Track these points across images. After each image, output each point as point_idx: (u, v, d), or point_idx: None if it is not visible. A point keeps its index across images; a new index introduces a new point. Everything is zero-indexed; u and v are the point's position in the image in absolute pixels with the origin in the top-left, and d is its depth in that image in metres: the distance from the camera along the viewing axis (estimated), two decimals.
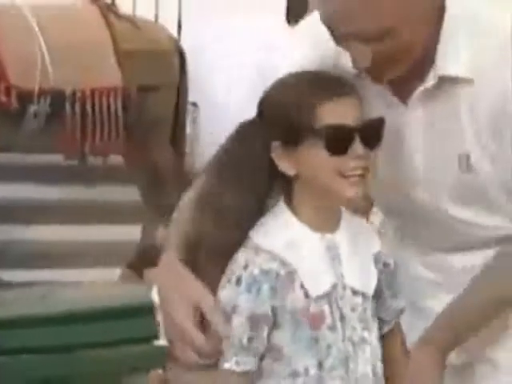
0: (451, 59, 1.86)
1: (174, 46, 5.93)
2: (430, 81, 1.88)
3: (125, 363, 3.06)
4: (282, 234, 1.82)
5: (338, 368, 1.81)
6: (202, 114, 6.91)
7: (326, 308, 1.82)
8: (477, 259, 1.97)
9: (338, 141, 1.77)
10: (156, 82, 5.65)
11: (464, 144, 1.89)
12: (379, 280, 1.89)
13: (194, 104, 6.77)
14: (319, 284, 1.81)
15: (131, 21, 5.83)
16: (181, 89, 5.91)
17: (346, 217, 1.89)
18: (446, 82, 1.88)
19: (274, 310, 1.80)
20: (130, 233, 5.94)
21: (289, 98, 1.81)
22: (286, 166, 1.81)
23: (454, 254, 2.03)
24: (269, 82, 1.86)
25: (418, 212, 2.01)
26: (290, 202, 1.85)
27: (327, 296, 1.82)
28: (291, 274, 1.79)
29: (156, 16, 6.70)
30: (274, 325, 1.81)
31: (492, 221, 1.97)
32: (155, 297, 3.19)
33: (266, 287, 1.78)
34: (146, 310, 3.13)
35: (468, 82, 1.86)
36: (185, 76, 5.94)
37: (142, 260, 5.57)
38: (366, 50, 1.79)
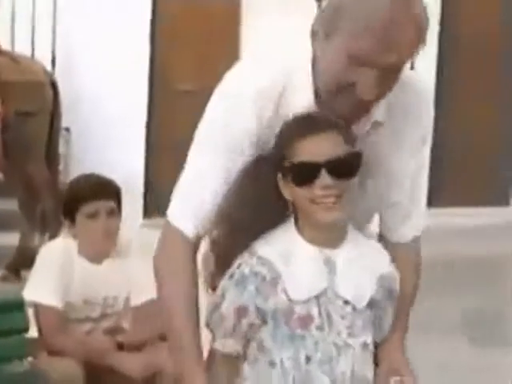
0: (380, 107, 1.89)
1: (47, 78, 5.96)
2: (367, 126, 1.91)
3: None
4: (279, 245, 1.81)
5: (326, 363, 1.81)
6: (73, 137, 7.01)
7: (315, 311, 1.81)
8: None
9: (303, 175, 1.78)
10: (31, 108, 5.70)
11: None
12: (378, 299, 1.87)
13: (67, 129, 6.84)
14: (304, 290, 1.79)
15: (10, 55, 5.87)
16: (54, 115, 5.95)
17: (353, 236, 1.87)
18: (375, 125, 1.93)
19: (258, 307, 1.80)
20: (9, 238, 5.97)
21: (279, 136, 1.83)
22: (285, 193, 1.82)
23: None
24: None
25: None
26: (296, 221, 1.85)
27: (316, 300, 1.80)
28: (275, 280, 1.78)
29: (32, 52, 6.74)
30: (262, 321, 1.82)
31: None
32: (29, 294, 3.28)
33: (251, 287, 1.78)
34: (17, 306, 3.25)
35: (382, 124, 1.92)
36: (58, 104, 5.98)
37: (19, 262, 5.62)
38: (379, 86, 1.76)
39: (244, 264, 1.81)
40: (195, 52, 7.63)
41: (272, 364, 1.82)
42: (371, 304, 1.86)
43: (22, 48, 6.52)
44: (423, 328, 4.46)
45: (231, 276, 1.82)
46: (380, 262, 1.89)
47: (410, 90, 1.93)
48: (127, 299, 3.48)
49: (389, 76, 1.78)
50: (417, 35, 1.76)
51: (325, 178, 1.76)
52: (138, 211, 7.14)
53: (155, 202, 7.01)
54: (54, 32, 7.01)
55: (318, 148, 1.77)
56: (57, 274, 3.34)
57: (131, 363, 3.32)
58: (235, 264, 1.83)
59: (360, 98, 1.77)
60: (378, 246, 1.94)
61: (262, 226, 1.83)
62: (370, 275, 1.85)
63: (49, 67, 6.62)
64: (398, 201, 2.02)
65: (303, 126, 1.79)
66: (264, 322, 1.82)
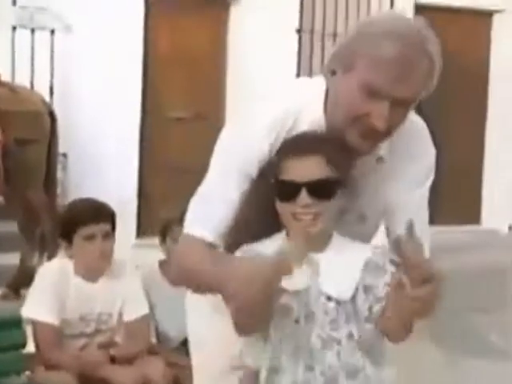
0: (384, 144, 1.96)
1: (46, 107, 5.93)
2: (371, 162, 1.96)
3: None
4: (271, 246, 1.87)
5: (300, 352, 1.84)
6: (70, 163, 7.03)
7: (296, 306, 1.85)
8: None
9: (285, 192, 1.85)
10: (30, 136, 5.68)
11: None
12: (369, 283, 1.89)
13: (64, 155, 6.85)
14: (289, 284, 1.81)
15: (9, 86, 5.85)
16: (52, 142, 5.93)
17: (338, 241, 1.93)
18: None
19: None
20: (10, 259, 5.94)
21: (274, 155, 1.90)
22: (277, 206, 1.89)
23: None
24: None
25: None
26: (286, 229, 1.92)
27: (297, 297, 1.85)
28: None
29: (31, 83, 6.75)
30: None
31: None
32: (26, 312, 3.29)
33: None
34: (15, 323, 3.26)
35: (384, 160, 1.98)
36: (55, 132, 5.96)
37: (19, 281, 5.59)
38: (391, 117, 1.82)
39: (242, 252, 1.90)
40: (185, 81, 7.66)
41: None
42: (366, 290, 1.87)
43: (21, 79, 6.54)
44: None
45: None
46: (363, 252, 1.92)
47: (411, 128, 1.98)
48: (120, 315, 3.50)
49: (400, 109, 1.84)
50: (429, 71, 1.83)
51: (305, 197, 1.83)
52: (132, 231, 7.14)
53: (148, 222, 7.01)
54: (52, 63, 7.01)
55: (300, 169, 1.84)
56: (53, 292, 3.37)
57: (123, 375, 3.35)
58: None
59: (372, 127, 1.82)
60: (361, 244, 1.97)
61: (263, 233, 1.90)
62: (353, 269, 1.89)
63: (47, 96, 6.61)
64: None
65: (292, 147, 1.87)
66: None
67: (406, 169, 2.02)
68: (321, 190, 1.84)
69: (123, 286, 3.48)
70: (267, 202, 1.89)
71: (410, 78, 1.80)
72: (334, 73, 1.89)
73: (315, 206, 1.84)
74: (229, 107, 7.56)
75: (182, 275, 1.96)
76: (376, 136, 1.87)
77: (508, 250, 7.74)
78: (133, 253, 5.69)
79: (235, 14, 7.93)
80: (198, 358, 2.20)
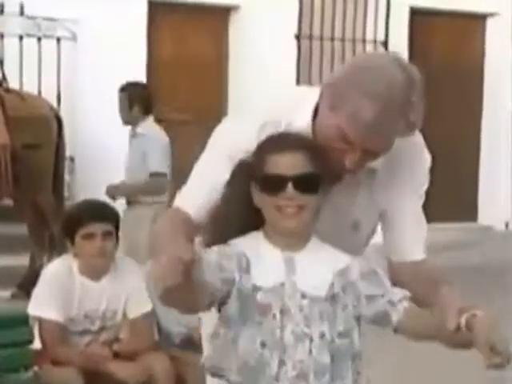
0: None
1: (52, 112, 6.02)
2: (362, 173, 2.00)
3: (5, 363, 3.20)
4: (248, 244, 1.88)
5: (278, 349, 1.84)
6: (77, 166, 7.05)
7: (274, 302, 1.85)
8: None
9: (271, 185, 1.86)
10: (38, 141, 5.74)
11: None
12: (337, 291, 1.89)
13: (71, 158, 6.89)
14: (267, 280, 1.84)
15: (18, 93, 5.93)
16: (59, 147, 5.99)
17: (315, 243, 1.93)
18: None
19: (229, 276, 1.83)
20: (20, 260, 5.99)
21: (256, 150, 1.91)
22: (255, 200, 1.90)
23: None
24: None
25: None
26: (264, 227, 1.92)
27: (273, 293, 1.85)
28: (247, 262, 1.86)
29: (39, 91, 6.78)
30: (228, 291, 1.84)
31: None
32: (32, 310, 3.32)
33: (233, 256, 1.86)
34: (22, 321, 3.29)
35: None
36: (62, 136, 6.02)
37: (29, 281, 5.61)
38: (362, 161, 1.90)
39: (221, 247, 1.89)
40: (187, 86, 7.68)
41: (233, 341, 1.84)
42: (333, 297, 1.88)
43: (29, 87, 6.57)
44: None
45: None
46: (337, 260, 1.92)
47: (405, 140, 1.99)
48: (124, 312, 3.50)
49: (372, 155, 1.92)
50: (406, 129, 1.90)
51: (290, 190, 1.85)
52: None
53: None
54: (58, 71, 7.05)
55: (287, 163, 1.86)
56: (58, 290, 3.38)
57: (126, 371, 3.35)
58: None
59: (343, 165, 1.91)
60: (338, 250, 1.96)
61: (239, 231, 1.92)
62: (327, 271, 1.90)
63: (54, 103, 6.65)
64: (402, 235, 2.12)
65: (277, 143, 1.89)
66: (229, 293, 1.84)
67: (400, 176, 2.05)
68: (306, 183, 1.86)
69: (127, 283, 3.49)
70: (244, 199, 1.90)
71: (383, 137, 1.88)
72: (322, 97, 1.95)
73: (299, 198, 1.86)
74: (231, 110, 7.60)
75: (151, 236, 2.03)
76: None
77: (504, 247, 7.73)
78: None
79: (235, 21, 7.96)
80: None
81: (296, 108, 2.00)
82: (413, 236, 2.12)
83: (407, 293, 1.91)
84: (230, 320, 1.85)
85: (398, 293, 1.90)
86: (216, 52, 7.96)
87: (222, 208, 1.94)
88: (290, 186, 1.85)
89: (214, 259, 1.83)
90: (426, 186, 2.13)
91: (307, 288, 1.87)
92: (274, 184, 1.86)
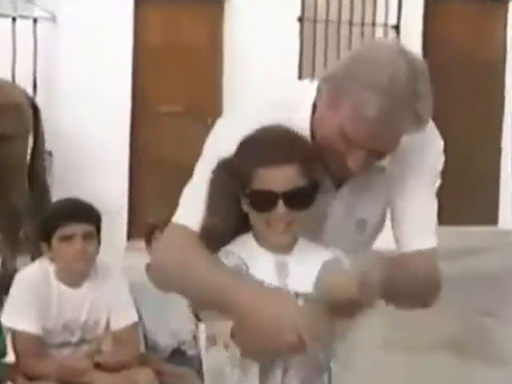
0: None
1: (27, 100, 5.95)
2: (369, 171, 2.00)
3: None
4: (241, 247, 1.95)
5: None
6: (55, 161, 7.00)
7: None
8: None
9: (261, 203, 1.91)
10: (10, 132, 5.66)
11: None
12: None
13: (49, 153, 6.85)
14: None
15: None
16: (36, 139, 5.94)
17: (303, 243, 1.99)
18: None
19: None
20: None
21: (243, 158, 1.92)
22: (245, 208, 1.95)
23: None
24: None
25: None
26: (253, 230, 1.98)
27: None
28: (244, 264, 1.94)
29: (13, 76, 6.75)
30: None
31: None
32: (5, 320, 3.28)
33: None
34: None
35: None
36: (39, 126, 5.96)
37: (0, 288, 5.56)
38: (366, 162, 1.92)
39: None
40: (177, 75, 7.65)
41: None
42: None
43: (1, 71, 6.45)
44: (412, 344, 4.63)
45: None
46: (324, 256, 1.98)
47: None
48: (107, 323, 3.47)
49: (377, 155, 1.93)
50: (414, 124, 1.90)
51: (281, 207, 1.89)
52: (122, 234, 7.14)
53: (139, 224, 7.00)
54: (35, 55, 7.02)
55: (277, 178, 1.89)
56: (32, 299, 3.34)
57: (108, 382, 3.34)
58: None
59: (347, 167, 1.92)
60: (321, 248, 2.02)
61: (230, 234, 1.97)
62: (318, 267, 1.96)
63: (30, 90, 6.62)
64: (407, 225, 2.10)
65: (266, 155, 1.90)
66: None
67: (408, 162, 2.05)
68: (298, 199, 1.90)
69: (110, 291, 3.46)
70: (231, 207, 1.94)
71: (389, 135, 1.89)
72: (320, 95, 1.95)
73: (291, 215, 1.90)
74: (226, 101, 7.57)
75: (168, 267, 1.99)
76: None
77: None
78: (124, 256, 5.69)
79: (232, 2, 7.91)
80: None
81: (296, 108, 1.99)
82: (411, 225, 2.09)
83: None
84: None
85: None
86: (210, 37, 7.95)
87: (209, 219, 1.95)
88: (280, 203, 1.89)
89: None
90: (440, 168, 2.11)
91: (299, 287, 1.92)
92: (264, 201, 1.90)
